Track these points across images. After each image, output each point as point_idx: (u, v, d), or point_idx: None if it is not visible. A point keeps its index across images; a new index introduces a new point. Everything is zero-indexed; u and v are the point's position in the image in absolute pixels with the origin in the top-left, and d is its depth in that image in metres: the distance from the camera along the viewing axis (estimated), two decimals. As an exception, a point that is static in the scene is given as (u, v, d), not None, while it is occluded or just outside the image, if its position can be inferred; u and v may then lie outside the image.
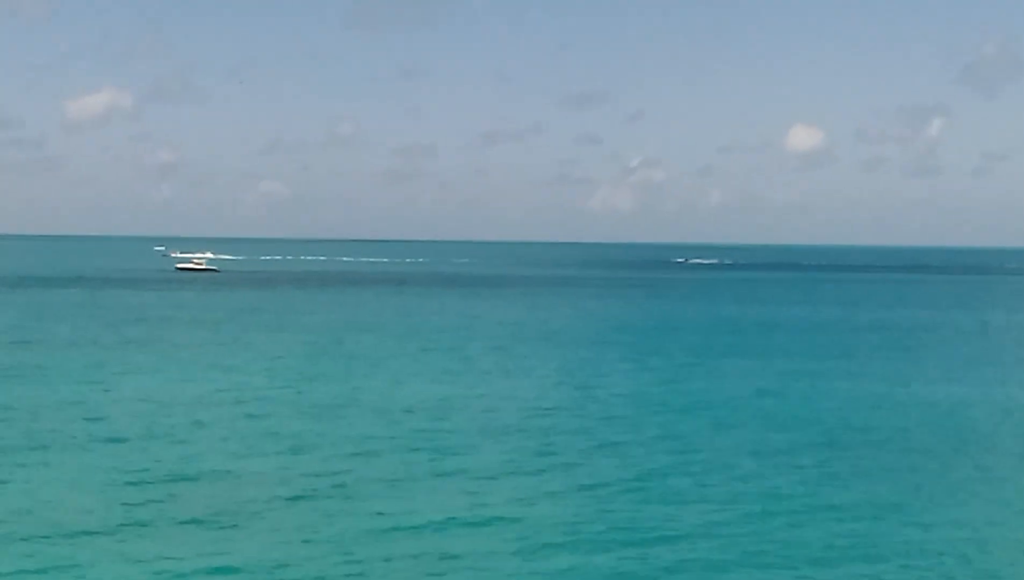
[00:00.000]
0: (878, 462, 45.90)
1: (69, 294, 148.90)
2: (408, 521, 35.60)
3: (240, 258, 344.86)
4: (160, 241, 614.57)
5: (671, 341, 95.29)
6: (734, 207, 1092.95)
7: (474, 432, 51.26)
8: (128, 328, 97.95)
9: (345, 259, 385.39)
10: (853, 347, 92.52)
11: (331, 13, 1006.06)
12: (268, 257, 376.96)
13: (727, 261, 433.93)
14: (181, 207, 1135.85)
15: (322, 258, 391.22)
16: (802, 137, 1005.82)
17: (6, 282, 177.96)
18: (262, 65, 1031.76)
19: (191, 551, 32.16)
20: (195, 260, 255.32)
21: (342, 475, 41.85)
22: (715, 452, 47.33)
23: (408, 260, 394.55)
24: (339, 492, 39.41)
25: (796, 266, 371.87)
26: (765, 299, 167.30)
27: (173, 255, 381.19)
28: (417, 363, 76.43)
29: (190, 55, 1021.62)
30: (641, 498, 39.20)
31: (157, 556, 31.60)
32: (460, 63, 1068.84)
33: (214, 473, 41.87)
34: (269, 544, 33.01)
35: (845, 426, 54.36)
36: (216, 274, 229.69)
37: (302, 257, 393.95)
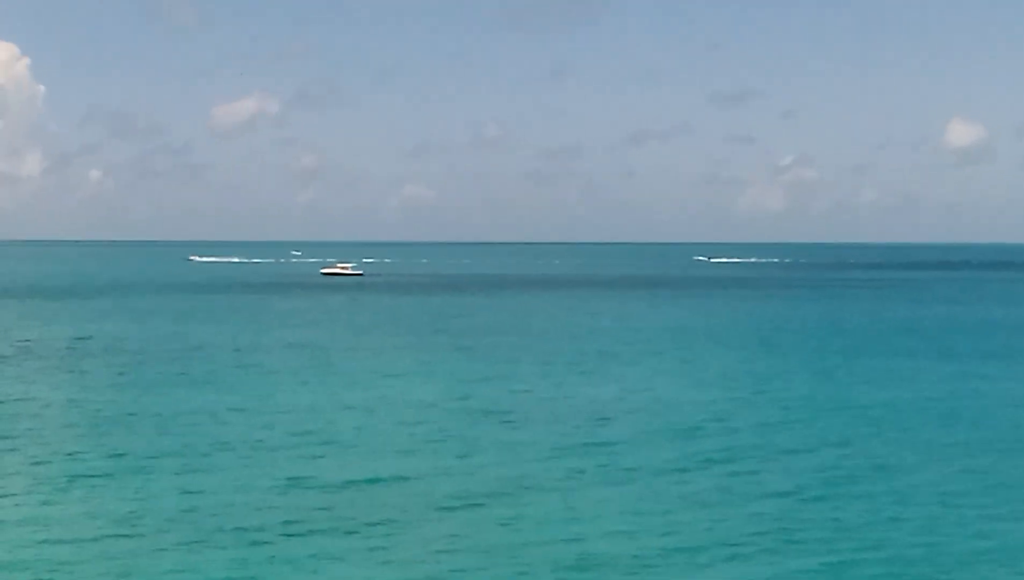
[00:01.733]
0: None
1: (217, 300, 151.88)
2: (575, 529, 34.61)
3: (384, 262, 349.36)
4: (305, 246, 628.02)
5: (835, 342, 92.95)
6: (889, 206, 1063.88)
7: (641, 436, 50.08)
8: (281, 333, 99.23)
9: (490, 261, 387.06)
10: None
11: (481, 15, 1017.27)
12: (385, 261, 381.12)
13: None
14: (325, 212, 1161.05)
15: (466, 261, 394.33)
16: (960, 133, 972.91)
17: (158, 289, 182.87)
18: (409, 68, 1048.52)
19: (356, 558, 31.80)
20: (340, 265, 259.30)
21: (508, 481, 41.04)
22: (898, 456, 45.66)
23: (556, 262, 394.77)
24: (506, 498, 38.59)
25: (950, 265, 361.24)
26: (930, 299, 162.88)
27: (294, 254, 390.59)
28: (578, 366, 75.39)
29: (337, 59, 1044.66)
30: (823, 503, 37.70)
31: (320, 564, 31.24)
32: (609, 63, 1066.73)
33: (378, 479, 41.37)
34: (433, 552, 32.40)
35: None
36: (361, 278, 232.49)
37: (445, 261, 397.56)
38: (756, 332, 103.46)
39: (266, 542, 33.22)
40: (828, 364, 77.11)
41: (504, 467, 43.44)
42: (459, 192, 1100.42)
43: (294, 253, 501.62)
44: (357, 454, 45.92)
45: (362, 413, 55.83)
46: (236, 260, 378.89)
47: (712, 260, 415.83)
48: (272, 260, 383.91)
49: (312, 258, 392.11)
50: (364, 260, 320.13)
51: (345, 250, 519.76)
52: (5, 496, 38.29)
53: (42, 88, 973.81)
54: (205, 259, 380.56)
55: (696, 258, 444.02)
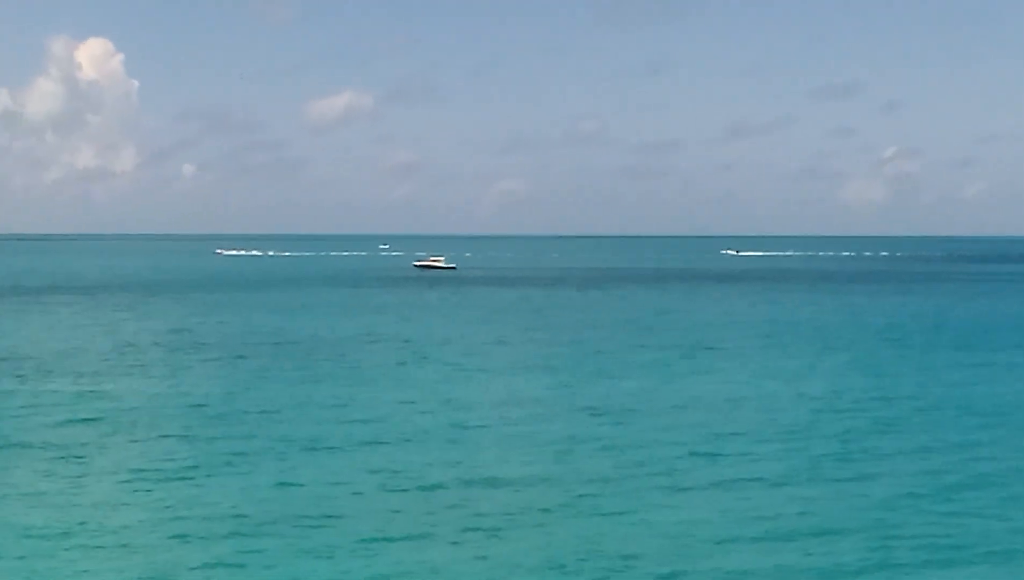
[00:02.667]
0: None
1: (311, 294, 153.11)
2: (680, 530, 33.97)
3: (465, 256, 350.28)
4: (398, 240, 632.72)
5: (945, 337, 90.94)
6: (996, 199, 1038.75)
7: (750, 433, 49.06)
8: (377, 327, 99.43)
9: (584, 255, 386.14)
10: None
11: (580, 9, 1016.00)
12: (466, 255, 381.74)
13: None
14: (419, 207, 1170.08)
15: (554, 255, 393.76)
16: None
17: (257, 285, 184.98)
18: (505, 63, 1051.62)
19: (455, 558, 31.50)
20: (432, 258, 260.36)
21: (617, 480, 40.36)
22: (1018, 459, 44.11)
23: (653, 255, 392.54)
24: (610, 497, 37.95)
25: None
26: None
27: (381, 247, 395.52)
28: (683, 362, 74.50)
29: (433, 55, 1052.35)
30: (939, 507, 36.63)
31: (419, 562, 30.99)
32: (708, 57, 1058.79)
33: (478, 477, 41.00)
34: (533, 552, 31.96)
35: None
36: (454, 272, 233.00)
37: (536, 254, 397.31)
38: (864, 327, 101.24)
39: (365, 540, 32.99)
40: (939, 361, 75.17)
41: (608, 464, 42.79)
42: (554, 186, 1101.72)
43: (382, 247, 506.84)
44: (457, 451, 45.58)
45: (462, 409, 55.54)
46: (257, 253, 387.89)
47: (740, 253, 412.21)
48: (364, 253, 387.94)
49: (400, 252, 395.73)
50: (458, 254, 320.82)
51: (435, 243, 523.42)
52: (107, 490, 38.66)
53: (136, 83, 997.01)
54: (230, 252, 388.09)
55: (724, 251, 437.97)
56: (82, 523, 34.31)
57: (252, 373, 67.73)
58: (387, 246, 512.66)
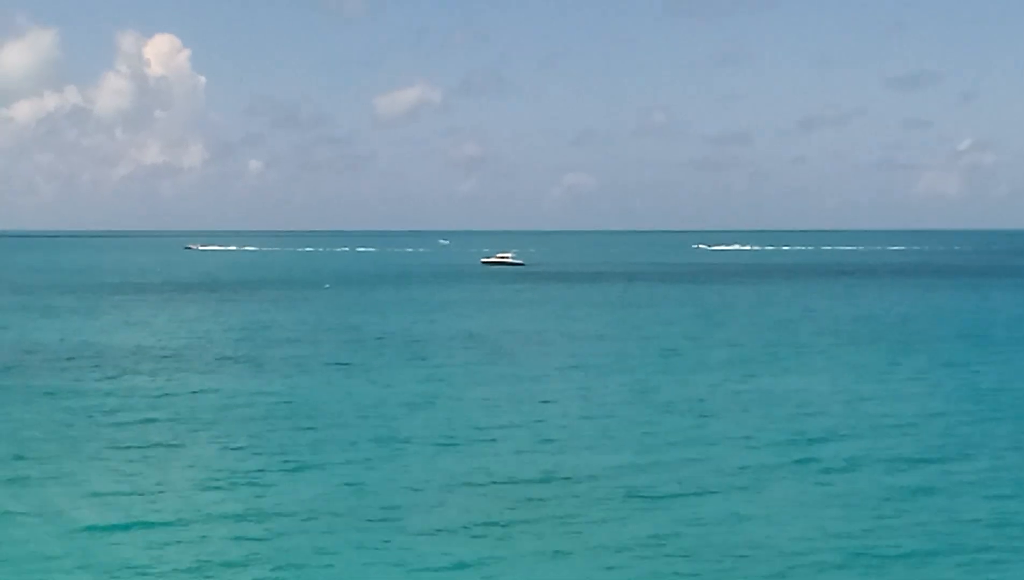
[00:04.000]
0: None
1: (380, 291, 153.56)
2: (765, 530, 33.65)
3: (529, 251, 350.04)
4: (462, 235, 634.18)
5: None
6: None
7: (836, 431, 48.53)
8: (451, 324, 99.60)
9: (653, 251, 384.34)
10: None
11: (650, 0, 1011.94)
12: (529, 250, 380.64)
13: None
14: (484, 201, 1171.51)
15: (617, 250, 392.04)
16: None
17: (323, 282, 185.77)
18: (575, 55, 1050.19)
19: (535, 555, 31.46)
20: (500, 254, 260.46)
21: (695, 478, 40.06)
22: None
23: (724, 247, 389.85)
24: (689, 495, 37.74)
25: None
26: None
27: (442, 242, 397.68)
28: (762, 358, 73.66)
29: (502, 48, 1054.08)
30: None
31: (498, 560, 31.04)
32: (781, 47, 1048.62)
33: (557, 474, 40.77)
34: (618, 549, 31.81)
35: None
36: (522, 268, 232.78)
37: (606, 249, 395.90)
38: (945, 323, 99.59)
39: (439, 537, 32.97)
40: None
41: (687, 463, 42.42)
42: (622, 180, 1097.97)
43: (442, 242, 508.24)
44: (533, 448, 45.37)
45: (538, 406, 55.36)
46: (234, 248, 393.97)
47: (712, 248, 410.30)
48: (423, 249, 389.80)
49: (466, 248, 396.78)
50: (523, 250, 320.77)
51: (499, 239, 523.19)
52: (182, 487, 38.89)
53: (203, 79, 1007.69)
54: (206, 248, 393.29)
55: (696, 246, 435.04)
56: (156, 520, 34.57)
57: (328, 371, 67.97)
58: (447, 242, 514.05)
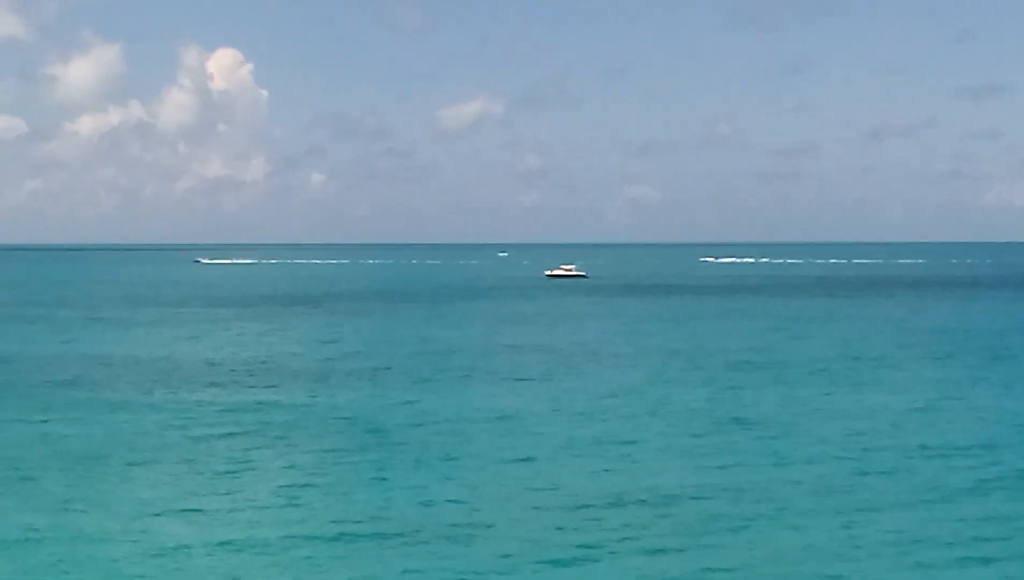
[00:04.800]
0: None
1: (454, 304, 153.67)
2: (843, 549, 32.92)
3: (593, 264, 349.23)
4: (522, 248, 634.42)
5: None
6: None
7: (918, 449, 47.33)
8: (520, 336, 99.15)
9: (719, 264, 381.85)
10: None
11: (715, 10, 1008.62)
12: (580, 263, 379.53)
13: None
14: (545, 214, 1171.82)
15: (677, 263, 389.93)
16: None
17: (390, 296, 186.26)
18: (639, 66, 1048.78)
19: (617, 573, 31.08)
20: (563, 266, 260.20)
21: (772, 495, 39.33)
22: None
23: (787, 261, 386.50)
24: (770, 514, 36.87)
25: None
26: None
27: (500, 255, 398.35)
28: (836, 372, 72.54)
29: (565, 60, 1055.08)
30: None
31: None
32: (848, 57, 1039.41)
33: (637, 491, 40.11)
34: (692, 567, 31.46)
35: None
36: (586, 280, 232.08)
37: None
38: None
39: (511, 555, 32.60)
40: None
41: (762, 479, 41.75)
42: (686, 192, 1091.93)
43: (500, 254, 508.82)
44: (605, 464, 44.73)
45: (611, 421, 54.80)
46: (246, 261, 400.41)
47: (719, 260, 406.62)
48: (480, 262, 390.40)
49: (525, 259, 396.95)
50: (585, 262, 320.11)
51: (560, 252, 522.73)
52: (253, 502, 38.83)
53: (265, 93, 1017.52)
54: (214, 262, 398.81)
55: (703, 259, 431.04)
56: (226, 537, 34.49)
57: (398, 385, 67.71)
58: (505, 254, 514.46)
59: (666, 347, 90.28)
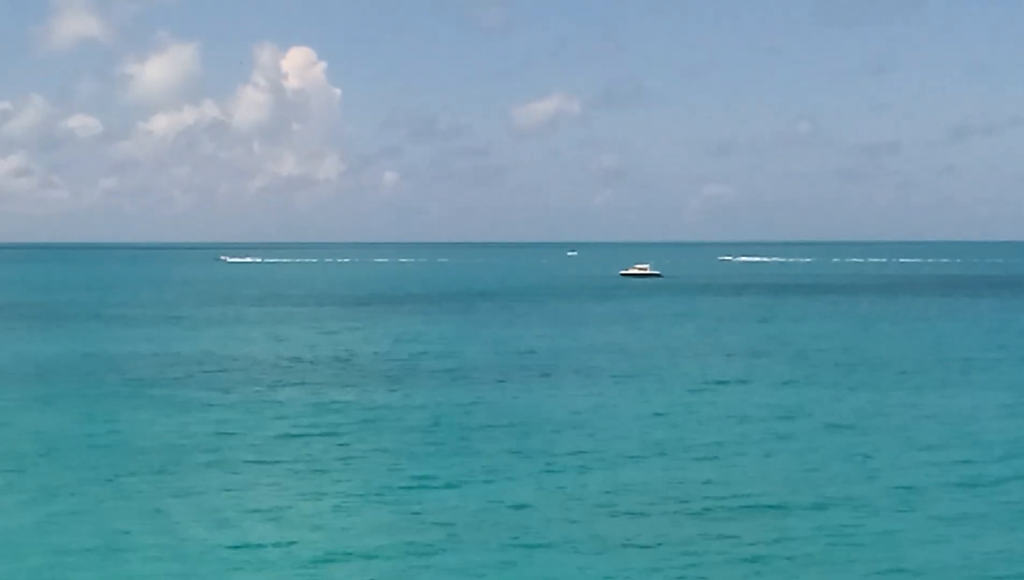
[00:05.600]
0: None
1: (525, 304, 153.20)
2: (941, 562, 31.97)
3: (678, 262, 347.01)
4: (593, 247, 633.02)
5: None
6: None
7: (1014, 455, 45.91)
8: (606, 338, 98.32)
9: (791, 263, 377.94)
10: None
11: (798, 8, 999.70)
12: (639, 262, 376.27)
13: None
14: (619, 212, 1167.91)
15: (754, 259, 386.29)
16: None
17: (462, 297, 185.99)
18: (718, 65, 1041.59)
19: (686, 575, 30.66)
20: (637, 266, 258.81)
21: (865, 503, 38.38)
22: None
23: (872, 261, 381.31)
24: (865, 523, 35.89)
25: None
26: None
27: (569, 254, 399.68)
28: (930, 376, 71.01)
29: (643, 58, 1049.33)
30: None
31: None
32: (931, 55, 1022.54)
33: (722, 496, 39.36)
34: (772, 568, 31.06)
35: None
36: (661, 280, 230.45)
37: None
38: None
39: (591, 556, 32.30)
40: None
41: (855, 486, 40.87)
42: (763, 190, 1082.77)
43: (569, 253, 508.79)
44: (688, 466, 44.17)
45: (692, 422, 54.16)
46: (259, 260, 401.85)
47: (737, 259, 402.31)
48: (551, 261, 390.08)
49: (598, 258, 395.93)
50: (659, 261, 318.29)
51: (635, 250, 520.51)
52: (335, 503, 38.68)
53: (338, 92, 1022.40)
54: (235, 260, 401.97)
55: (721, 258, 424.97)
56: (311, 536, 34.41)
57: (475, 385, 67.33)
58: (575, 253, 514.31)
59: (748, 347, 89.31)
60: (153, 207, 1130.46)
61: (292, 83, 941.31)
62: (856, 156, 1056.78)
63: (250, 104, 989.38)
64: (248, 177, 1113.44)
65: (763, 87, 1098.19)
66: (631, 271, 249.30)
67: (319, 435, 51.20)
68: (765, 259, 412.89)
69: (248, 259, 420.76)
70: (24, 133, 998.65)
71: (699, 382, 68.37)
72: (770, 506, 37.80)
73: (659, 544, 33.42)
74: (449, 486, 41.00)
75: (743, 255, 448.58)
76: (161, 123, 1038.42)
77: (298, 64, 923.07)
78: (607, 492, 39.81)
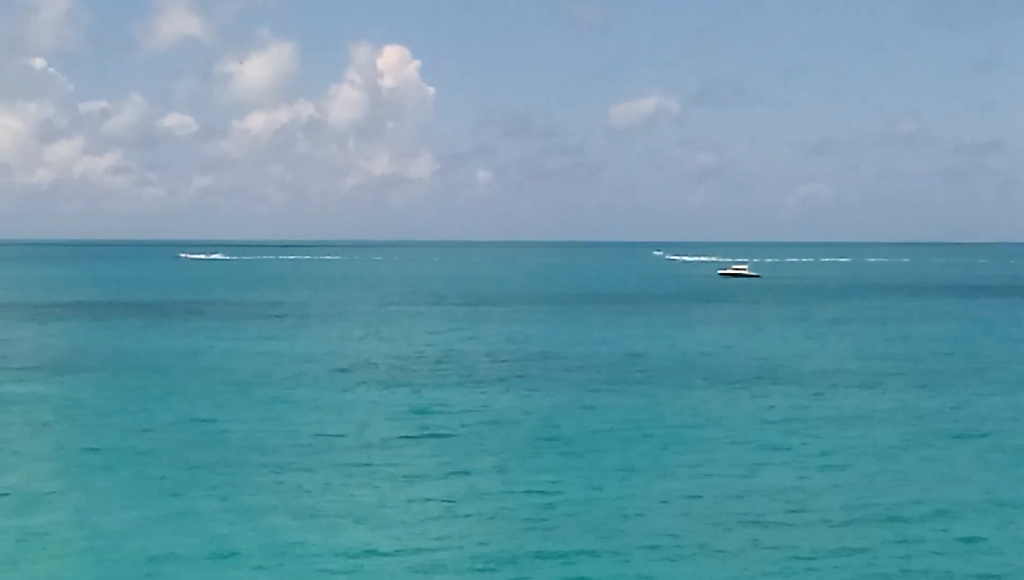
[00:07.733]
0: None
1: (624, 304, 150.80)
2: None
3: (776, 261, 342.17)
4: (685, 247, 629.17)
5: None
6: None
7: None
8: (715, 340, 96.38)
9: (902, 264, 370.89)
10: None
11: (902, 7, 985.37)
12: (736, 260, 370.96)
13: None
14: (715, 212, 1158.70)
15: (844, 260, 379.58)
16: None
17: (566, 297, 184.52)
18: (820, 63, 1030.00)
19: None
20: (735, 266, 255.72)
21: (966, 513, 36.87)
22: None
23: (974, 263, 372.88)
24: (1002, 531, 34.59)
25: None
26: None
27: (670, 257, 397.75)
28: None
29: (744, 57, 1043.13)
30: None
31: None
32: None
33: (854, 507, 37.71)
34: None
35: None
36: (759, 280, 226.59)
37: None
38: None
39: (694, 561, 31.68)
40: None
41: (984, 493, 39.39)
42: (862, 190, 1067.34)
43: (656, 253, 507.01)
44: (805, 478, 42.23)
45: (802, 431, 52.01)
46: (219, 257, 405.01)
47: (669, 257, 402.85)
48: (633, 260, 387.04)
49: (682, 257, 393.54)
50: (754, 261, 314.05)
51: (730, 250, 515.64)
52: (429, 507, 37.95)
53: (432, 90, 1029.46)
54: (194, 257, 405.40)
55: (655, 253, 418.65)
56: (415, 543, 33.73)
57: (576, 388, 65.73)
58: (661, 252, 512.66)
59: (865, 350, 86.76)
60: (248, 205, 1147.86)
61: (386, 82, 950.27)
62: (958, 155, 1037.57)
63: (345, 102, 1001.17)
64: (342, 175, 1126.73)
65: (863, 86, 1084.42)
66: (729, 271, 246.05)
67: (424, 437, 50.26)
68: (884, 259, 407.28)
69: (216, 256, 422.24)
70: (122, 131, 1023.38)
71: (817, 386, 66.12)
72: (888, 519, 36.11)
73: (775, 552, 32.32)
74: (558, 491, 39.80)
75: (839, 256, 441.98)
76: (257, 121, 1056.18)
77: (392, 63, 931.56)
78: (722, 498, 38.62)
